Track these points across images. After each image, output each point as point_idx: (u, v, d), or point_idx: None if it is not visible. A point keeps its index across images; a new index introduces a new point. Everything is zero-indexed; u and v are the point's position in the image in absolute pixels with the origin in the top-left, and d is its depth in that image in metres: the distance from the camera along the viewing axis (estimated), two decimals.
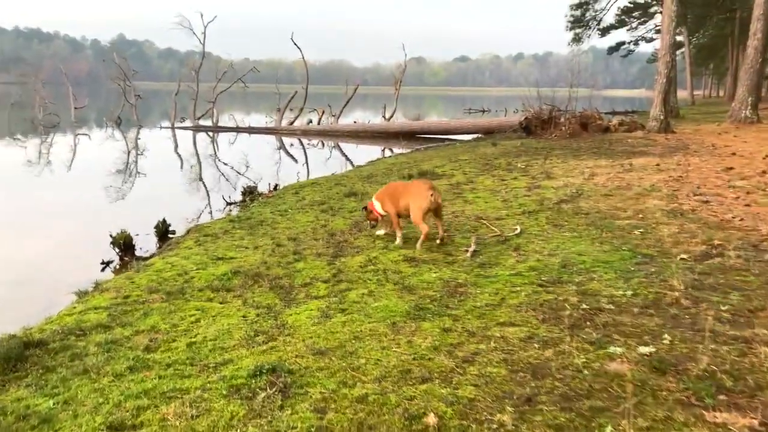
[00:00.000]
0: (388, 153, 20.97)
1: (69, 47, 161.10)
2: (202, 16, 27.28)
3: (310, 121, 28.31)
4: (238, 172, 15.56)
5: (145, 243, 7.72)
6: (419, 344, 3.69)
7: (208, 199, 11.66)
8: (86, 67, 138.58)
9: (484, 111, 53.69)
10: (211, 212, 10.32)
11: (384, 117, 28.74)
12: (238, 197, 10.84)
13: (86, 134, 26.39)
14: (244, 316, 4.34)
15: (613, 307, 4.21)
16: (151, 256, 6.92)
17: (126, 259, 6.96)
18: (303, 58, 27.91)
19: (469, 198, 8.90)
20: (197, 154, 19.99)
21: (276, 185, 11.29)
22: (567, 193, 8.84)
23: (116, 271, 6.77)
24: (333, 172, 14.05)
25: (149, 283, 5.06)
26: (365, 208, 6.65)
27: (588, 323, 3.96)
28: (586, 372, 3.26)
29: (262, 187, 11.21)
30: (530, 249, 5.87)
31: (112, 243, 6.95)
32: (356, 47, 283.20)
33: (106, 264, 6.84)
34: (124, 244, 6.90)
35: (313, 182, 11.18)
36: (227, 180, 14.42)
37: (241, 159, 17.88)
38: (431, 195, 5.93)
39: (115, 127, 28.30)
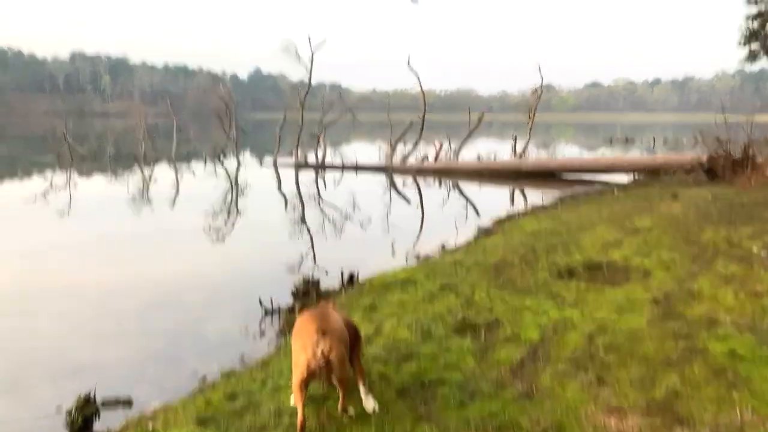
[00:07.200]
0: (519, 200, 16.58)
1: (210, 81, 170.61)
2: (309, 40, 24.29)
3: (426, 157, 24.16)
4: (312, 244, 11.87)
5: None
6: None
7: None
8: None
9: (627, 140, 46.96)
10: (244, 328, 6.52)
11: (514, 151, 24.02)
12: (293, 292, 7.00)
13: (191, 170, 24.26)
14: None
15: None
16: None
17: None
18: (420, 84, 24.15)
19: (720, 361, 4.29)
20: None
21: (351, 276, 7.31)
22: None
23: None
24: (442, 244, 9.79)
25: None
26: None
27: None
28: None
29: (332, 279, 7.29)
30: None
31: None
32: (484, 76, 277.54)
33: None
34: None
35: (407, 277, 6.89)
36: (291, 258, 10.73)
37: (333, 211, 14.30)
38: (318, 344, 3.21)
39: (217, 163, 25.90)
